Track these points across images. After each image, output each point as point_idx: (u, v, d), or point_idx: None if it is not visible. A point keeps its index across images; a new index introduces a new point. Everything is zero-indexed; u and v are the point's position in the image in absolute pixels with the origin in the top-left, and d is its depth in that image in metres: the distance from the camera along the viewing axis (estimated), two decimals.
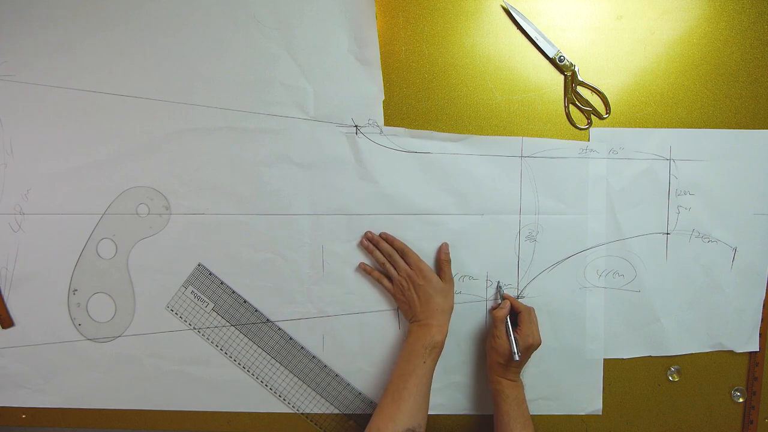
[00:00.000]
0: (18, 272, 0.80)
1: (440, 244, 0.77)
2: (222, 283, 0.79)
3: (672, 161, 0.77)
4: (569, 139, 0.77)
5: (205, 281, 0.79)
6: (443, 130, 0.77)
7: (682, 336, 0.80)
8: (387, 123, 0.77)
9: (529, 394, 0.75)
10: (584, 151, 0.77)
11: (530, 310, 0.74)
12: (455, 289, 0.77)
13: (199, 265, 0.79)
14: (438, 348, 0.72)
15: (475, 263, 0.78)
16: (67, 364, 0.81)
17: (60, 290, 0.80)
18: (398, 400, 0.68)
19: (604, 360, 0.80)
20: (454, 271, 0.77)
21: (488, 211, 0.78)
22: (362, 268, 0.79)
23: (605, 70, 0.76)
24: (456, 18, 0.76)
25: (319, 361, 0.80)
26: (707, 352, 0.80)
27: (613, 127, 0.77)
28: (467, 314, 0.79)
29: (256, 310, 0.80)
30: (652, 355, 0.80)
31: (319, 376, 0.81)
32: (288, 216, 0.78)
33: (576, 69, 0.75)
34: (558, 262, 0.78)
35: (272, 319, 0.80)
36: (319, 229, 0.78)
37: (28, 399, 0.83)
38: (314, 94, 0.76)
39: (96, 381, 0.82)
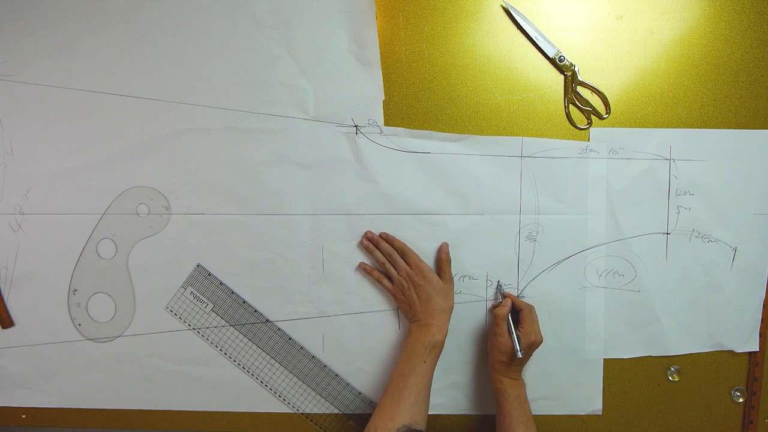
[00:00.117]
0: (18, 272, 0.80)
1: (440, 244, 0.77)
2: (221, 283, 0.79)
3: (672, 161, 0.77)
4: (569, 139, 0.77)
5: (204, 282, 0.79)
6: (443, 130, 0.77)
7: (682, 336, 0.80)
8: (387, 123, 0.77)
9: (530, 393, 0.75)
10: (584, 151, 0.77)
11: (531, 308, 0.75)
12: (455, 288, 0.77)
13: (197, 266, 0.79)
14: (438, 348, 0.72)
15: (475, 263, 0.78)
16: (67, 364, 0.81)
17: (60, 290, 0.80)
18: (398, 399, 0.68)
19: (604, 360, 0.80)
20: (454, 271, 0.77)
21: (488, 211, 0.78)
22: (362, 268, 0.79)
23: (605, 70, 0.76)
24: (456, 18, 0.76)
25: (319, 361, 0.80)
26: (707, 352, 0.80)
27: (613, 127, 0.77)
28: (467, 314, 0.79)
29: (255, 311, 0.80)
30: (652, 355, 0.80)
31: (319, 376, 0.80)
32: (288, 216, 0.78)
33: (576, 69, 0.75)
34: (558, 262, 0.78)
35: (272, 319, 0.80)
36: (319, 229, 0.78)
37: (28, 399, 0.83)
38: (314, 94, 0.76)
39: (96, 381, 0.82)
